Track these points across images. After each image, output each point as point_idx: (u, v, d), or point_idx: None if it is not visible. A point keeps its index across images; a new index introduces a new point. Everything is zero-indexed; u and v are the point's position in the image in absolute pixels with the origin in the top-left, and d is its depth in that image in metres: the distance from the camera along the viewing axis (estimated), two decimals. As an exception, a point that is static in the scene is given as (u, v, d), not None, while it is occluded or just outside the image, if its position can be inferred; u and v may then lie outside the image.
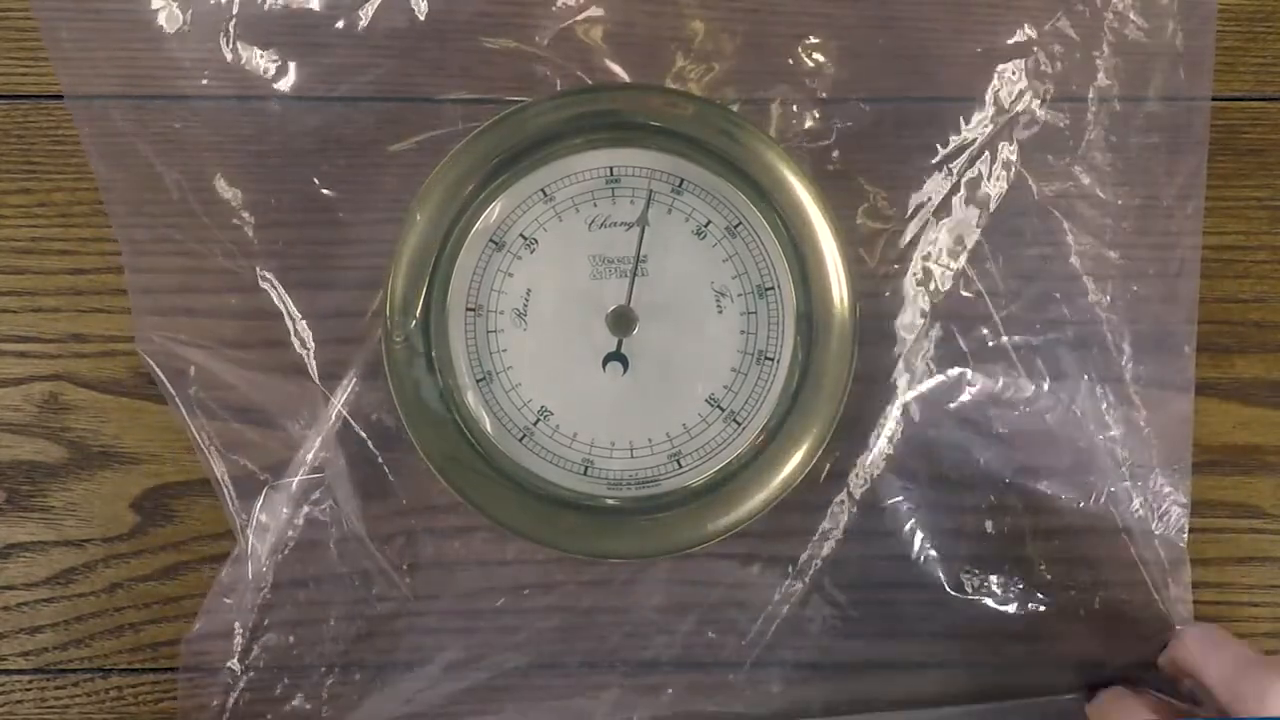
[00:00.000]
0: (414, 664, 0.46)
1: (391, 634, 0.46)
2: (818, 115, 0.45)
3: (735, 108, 0.45)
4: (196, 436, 0.44)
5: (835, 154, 0.45)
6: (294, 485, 0.44)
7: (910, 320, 0.45)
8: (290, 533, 0.44)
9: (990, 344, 0.45)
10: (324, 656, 0.46)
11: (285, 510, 0.44)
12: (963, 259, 0.45)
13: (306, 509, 0.45)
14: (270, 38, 0.44)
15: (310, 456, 0.44)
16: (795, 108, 0.45)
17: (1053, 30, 0.45)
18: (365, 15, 0.45)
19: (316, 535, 0.45)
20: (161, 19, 0.44)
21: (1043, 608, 0.46)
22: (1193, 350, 0.46)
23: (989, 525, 0.46)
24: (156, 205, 0.45)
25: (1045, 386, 0.45)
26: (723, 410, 0.44)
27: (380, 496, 0.45)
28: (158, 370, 0.44)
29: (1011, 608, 0.46)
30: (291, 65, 0.45)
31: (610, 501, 0.44)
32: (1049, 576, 0.46)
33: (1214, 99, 0.47)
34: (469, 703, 0.47)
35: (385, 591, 0.45)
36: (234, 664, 0.45)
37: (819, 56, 0.45)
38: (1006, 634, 0.47)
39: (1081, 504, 0.46)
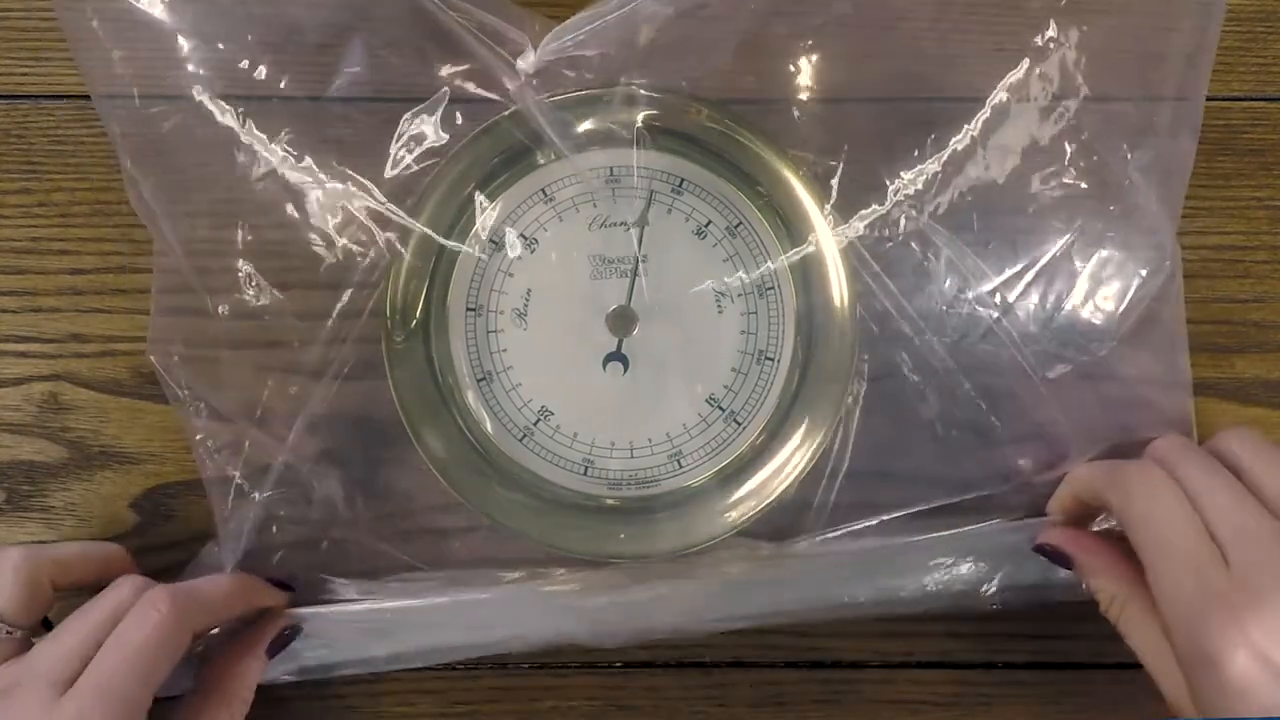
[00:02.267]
0: (414, 664, 0.46)
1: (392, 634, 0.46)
2: (819, 115, 0.45)
3: (735, 108, 0.45)
4: (196, 436, 0.44)
5: (835, 153, 0.45)
6: (294, 487, 0.44)
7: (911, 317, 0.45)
8: (287, 534, 0.44)
9: (993, 346, 0.45)
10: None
11: (283, 511, 0.44)
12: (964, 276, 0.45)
13: (307, 510, 0.44)
14: (270, 38, 0.44)
15: (312, 457, 0.44)
16: (796, 107, 0.45)
17: (1054, 28, 0.45)
18: (368, 17, 0.44)
19: (316, 535, 0.45)
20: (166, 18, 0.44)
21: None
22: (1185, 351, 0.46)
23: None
24: (173, 204, 0.44)
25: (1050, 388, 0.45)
26: (723, 410, 0.44)
27: (380, 496, 0.45)
28: (162, 371, 0.44)
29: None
30: (290, 66, 0.44)
31: (610, 501, 0.44)
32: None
33: (1214, 99, 0.47)
34: (471, 702, 0.47)
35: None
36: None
37: (820, 57, 0.45)
38: (1007, 635, 0.47)
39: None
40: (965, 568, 0.44)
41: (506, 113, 0.43)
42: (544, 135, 0.43)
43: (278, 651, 0.43)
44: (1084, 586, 0.43)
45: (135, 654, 0.38)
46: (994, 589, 0.45)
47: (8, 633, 0.39)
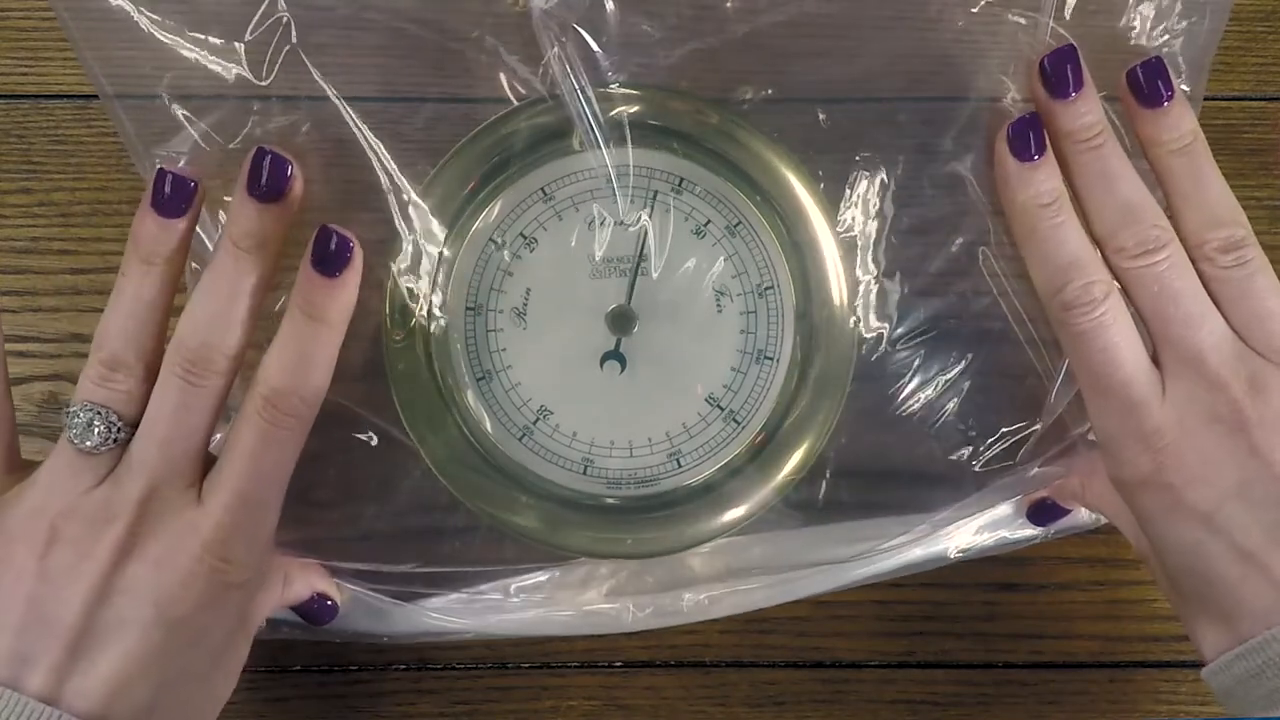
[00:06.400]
0: (413, 665, 0.46)
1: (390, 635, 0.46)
2: (816, 114, 0.45)
3: (735, 107, 0.45)
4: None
5: (834, 153, 0.45)
6: (293, 486, 0.44)
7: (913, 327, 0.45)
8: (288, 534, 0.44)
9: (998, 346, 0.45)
10: (320, 657, 0.46)
11: (283, 510, 0.44)
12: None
13: (306, 509, 0.44)
14: (273, 38, 0.44)
15: (310, 456, 0.44)
16: (795, 106, 0.45)
17: (1052, 27, 0.45)
18: (370, 16, 0.44)
19: (316, 535, 0.45)
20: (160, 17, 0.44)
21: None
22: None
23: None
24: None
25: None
26: (722, 410, 0.44)
27: (380, 497, 0.45)
28: None
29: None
30: (293, 64, 0.44)
31: (610, 501, 0.44)
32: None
33: (1214, 99, 0.47)
34: (471, 702, 0.47)
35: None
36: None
37: (818, 56, 0.45)
38: (1007, 635, 0.47)
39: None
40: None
41: (506, 111, 0.43)
42: (543, 134, 0.43)
43: (311, 614, 0.44)
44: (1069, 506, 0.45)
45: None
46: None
47: None
